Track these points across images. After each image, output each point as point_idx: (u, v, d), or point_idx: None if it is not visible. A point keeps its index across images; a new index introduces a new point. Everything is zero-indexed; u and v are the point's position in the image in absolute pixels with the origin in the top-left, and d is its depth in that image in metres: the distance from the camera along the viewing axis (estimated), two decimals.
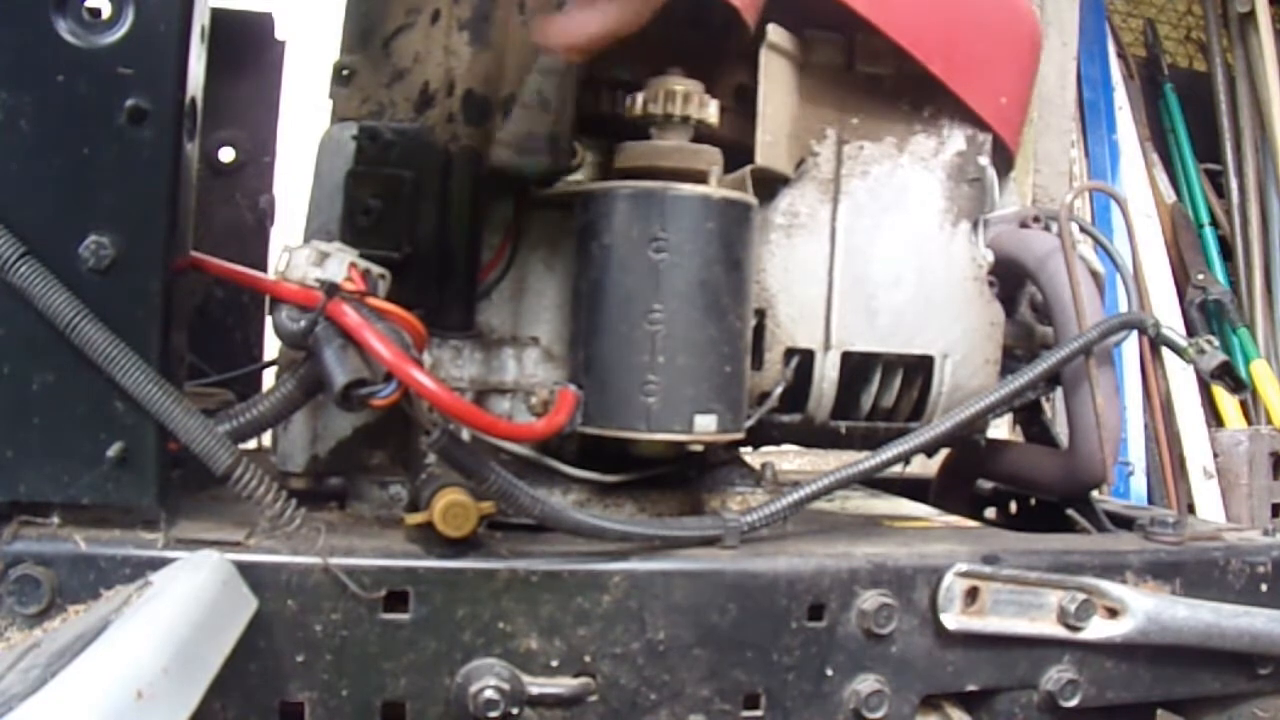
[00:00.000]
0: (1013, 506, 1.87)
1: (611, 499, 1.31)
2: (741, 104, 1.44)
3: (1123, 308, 1.62)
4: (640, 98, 1.28)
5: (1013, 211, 1.61)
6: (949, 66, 1.47)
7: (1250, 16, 4.44)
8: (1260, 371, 4.11)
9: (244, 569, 1.01)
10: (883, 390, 1.50)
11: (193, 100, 1.07)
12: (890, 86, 1.50)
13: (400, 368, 1.04)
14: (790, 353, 1.44)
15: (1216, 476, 3.91)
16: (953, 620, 1.22)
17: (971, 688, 1.25)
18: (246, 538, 1.07)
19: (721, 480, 1.39)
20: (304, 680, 1.05)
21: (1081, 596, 1.26)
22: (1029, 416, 1.78)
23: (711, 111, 1.28)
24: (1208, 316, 4.18)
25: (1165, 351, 1.55)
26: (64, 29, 0.99)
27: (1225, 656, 1.34)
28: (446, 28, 1.29)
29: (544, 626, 1.10)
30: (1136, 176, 4.22)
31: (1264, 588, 1.36)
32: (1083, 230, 1.62)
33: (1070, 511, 1.62)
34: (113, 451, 1.03)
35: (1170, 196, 4.33)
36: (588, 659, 1.12)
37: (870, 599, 1.19)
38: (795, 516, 1.28)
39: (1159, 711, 1.44)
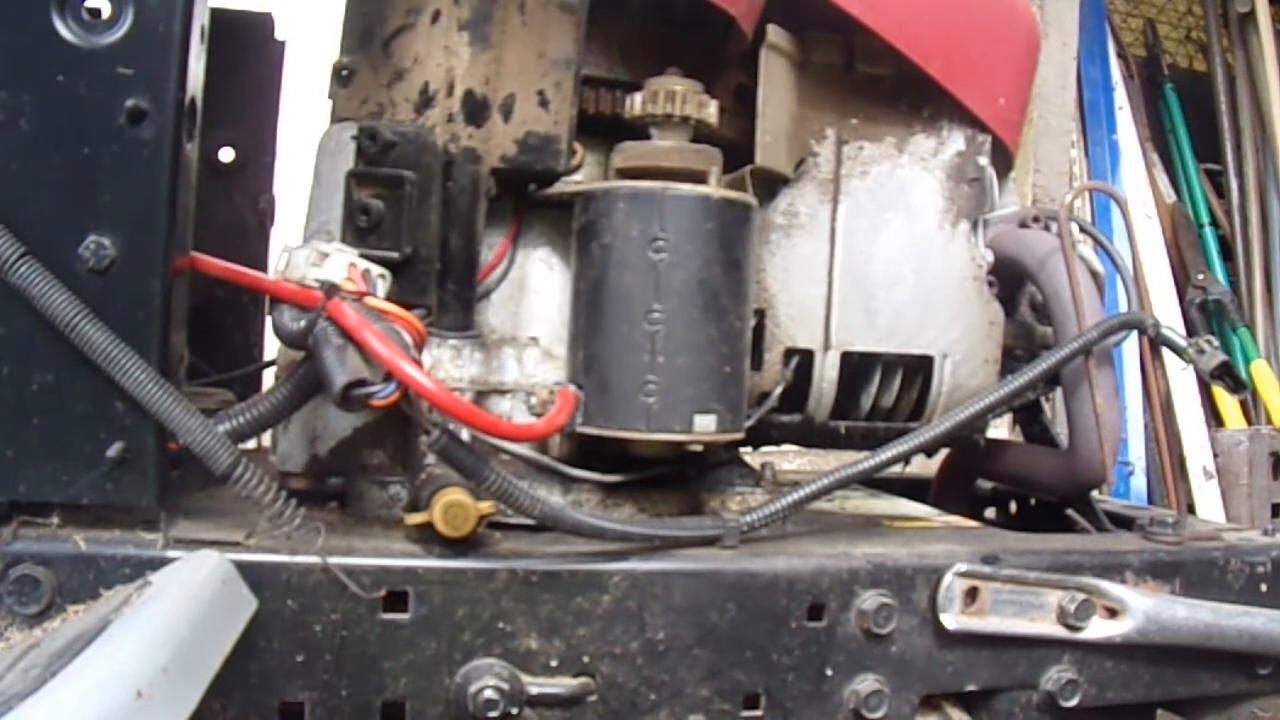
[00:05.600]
0: (1013, 506, 1.87)
1: (611, 499, 1.31)
2: (741, 104, 1.44)
3: (1123, 308, 1.62)
4: (640, 98, 1.28)
5: (1012, 211, 1.61)
6: (947, 69, 1.47)
7: (1250, 16, 4.43)
8: (1260, 371, 4.10)
9: (244, 569, 1.01)
10: (882, 390, 1.50)
11: (193, 100, 1.07)
12: (890, 87, 1.50)
13: (399, 368, 1.04)
14: (790, 353, 1.44)
15: (1216, 476, 3.91)
16: (952, 620, 1.22)
17: (971, 688, 1.25)
18: (246, 538, 1.07)
19: (721, 480, 1.39)
20: (304, 680, 1.05)
21: (1081, 596, 1.26)
22: (1029, 416, 1.78)
23: (711, 111, 1.28)
24: (1208, 316, 4.18)
25: (1165, 351, 1.55)
26: (64, 29, 0.99)
27: (1225, 656, 1.34)
28: (446, 28, 1.29)
29: (544, 626, 1.10)
30: (1136, 176, 4.21)
31: (1264, 588, 1.36)
32: (1083, 230, 1.62)
33: (1070, 511, 1.62)
34: (113, 451, 1.02)
35: (1170, 196, 4.32)
36: (587, 659, 1.12)
37: (870, 599, 1.19)
38: (795, 516, 1.28)
39: (1159, 711, 1.44)
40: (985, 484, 1.87)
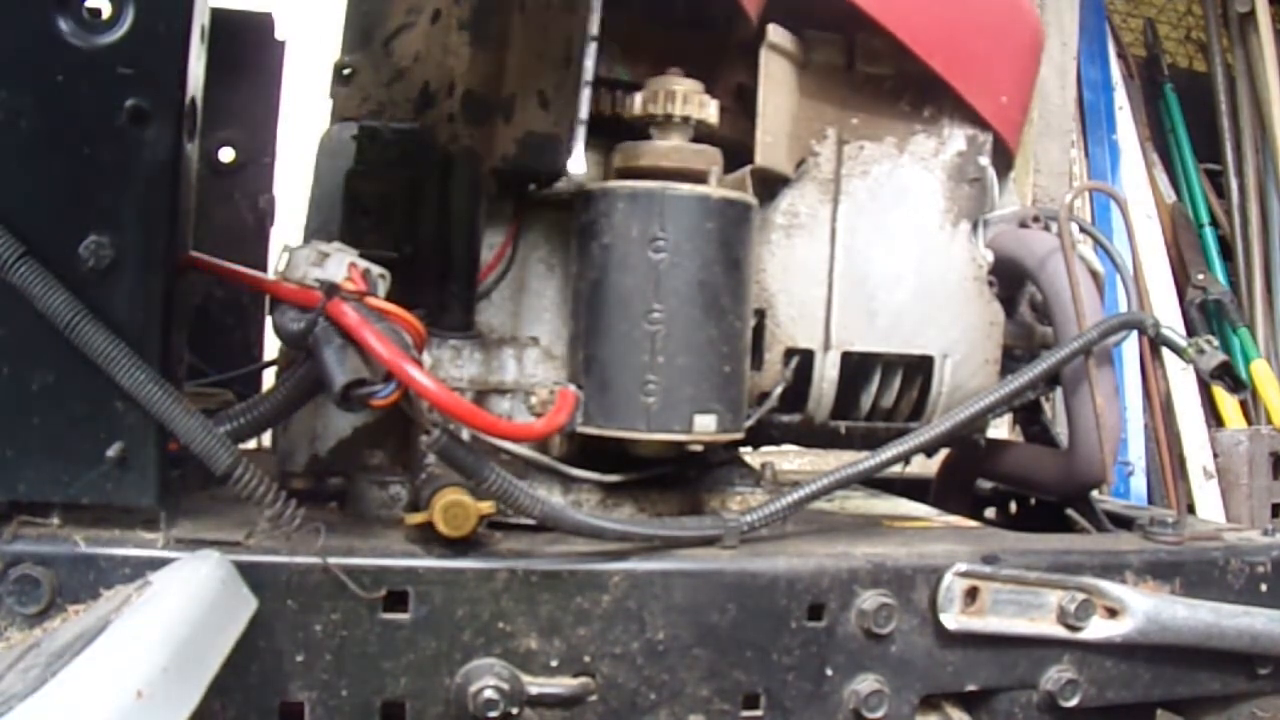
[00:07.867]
0: (1013, 506, 1.87)
1: (611, 499, 1.31)
2: (741, 104, 1.44)
3: (1123, 308, 1.62)
4: (640, 98, 1.28)
5: (1013, 211, 1.61)
6: (950, 64, 1.47)
7: (1250, 16, 4.43)
8: (1260, 371, 4.10)
9: (244, 569, 1.01)
10: (882, 390, 1.50)
11: (193, 100, 1.07)
12: (891, 86, 1.50)
13: (399, 367, 1.04)
14: (790, 353, 1.44)
15: (1216, 476, 3.91)
16: (952, 620, 1.22)
17: (971, 688, 1.25)
18: (246, 538, 1.07)
19: (721, 480, 1.39)
20: (304, 680, 1.05)
21: (1081, 596, 1.26)
22: (1029, 416, 1.78)
23: (711, 111, 1.28)
24: (1208, 316, 4.18)
25: (1165, 351, 1.55)
26: (64, 29, 0.99)
27: (1225, 656, 1.34)
28: (447, 28, 1.29)
29: (544, 626, 1.10)
30: (1136, 177, 4.22)
31: (1264, 588, 1.36)
32: (1083, 230, 1.62)
33: (1070, 511, 1.62)
34: (113, 451, 1.02)
35: (1170, 196, 4.33)
36: (587, 659, 1.12)
37: (870, 599, 1.19)
38: (795, 516, 1.28)
39: (1159, 711, 1.44)
40: (985, 484, 1.87)
